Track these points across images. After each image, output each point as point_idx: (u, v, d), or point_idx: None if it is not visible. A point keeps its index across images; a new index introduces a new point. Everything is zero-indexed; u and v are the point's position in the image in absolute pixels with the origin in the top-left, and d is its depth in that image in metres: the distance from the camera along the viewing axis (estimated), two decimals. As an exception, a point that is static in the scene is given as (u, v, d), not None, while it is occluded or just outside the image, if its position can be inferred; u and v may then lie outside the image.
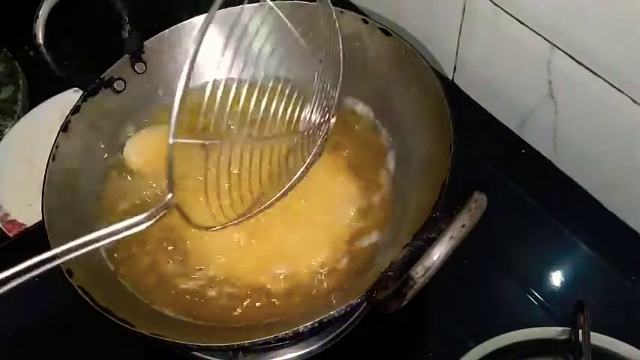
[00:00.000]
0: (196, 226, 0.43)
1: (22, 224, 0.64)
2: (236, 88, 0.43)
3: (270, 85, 0.48)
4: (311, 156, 0.50)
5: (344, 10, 0.60)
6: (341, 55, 0.51)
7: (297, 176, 0.49)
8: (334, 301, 0.48)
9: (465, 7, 0.63)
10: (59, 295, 0.46)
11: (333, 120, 0.53)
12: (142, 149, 0.59)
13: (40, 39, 0.55)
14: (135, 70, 0.60)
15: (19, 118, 0.74)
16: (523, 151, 0.66)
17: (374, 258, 0.51)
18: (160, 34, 0.61)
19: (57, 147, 0.54)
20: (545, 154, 0.65)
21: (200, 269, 0.52)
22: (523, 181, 0.64)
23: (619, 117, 0.53)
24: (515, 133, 0.67)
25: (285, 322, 0.46)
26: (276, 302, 0.50)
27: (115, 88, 0.59)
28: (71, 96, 0.71)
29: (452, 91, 0.70)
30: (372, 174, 0.56)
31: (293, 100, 0.50)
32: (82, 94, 0.57)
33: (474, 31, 0.64)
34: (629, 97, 0.51)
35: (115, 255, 0.53)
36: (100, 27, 0.64)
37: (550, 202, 0.62)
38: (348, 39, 0.60)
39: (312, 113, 0.50)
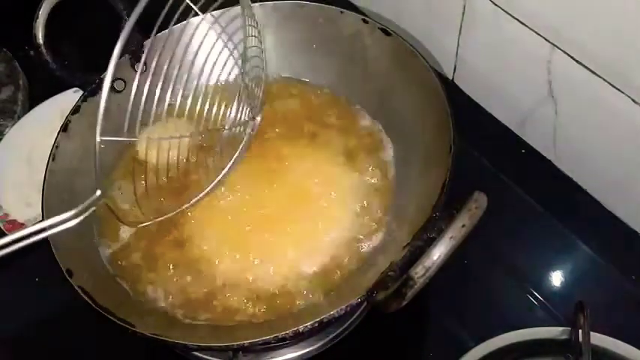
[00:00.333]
0: (126, 223, 0.47)
1: (22, 224, 0.64)
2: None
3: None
4: (237, 152, 0.52)
5: (344, 10, 0.60)
6: (263, 55, 0.54)
7: (224, 172, 0.51)
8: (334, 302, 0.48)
9: (465, 7, 0.63)
10: (59, 295, 0.46)
11: (258, 118, 0.55)
12: (155, 144, 0.59)
13: (40, 39, 0.55)
14: (135, 70, 0.60)
15: (19, 118, 0.74)
16: (523, 151, 0.66)
17: (374, 258, 0.51)
18: (159, 34, 0.61)
19: (57, 147, 0.54)
20: (545, 154, 0.65)
21: (201, 270, 0.52)
22: (523, 181, 0.64)
23: (619, 117, 0.53)
24: (515, 133, 0.67)
25: (285, 322, 0.46)
26: (277, 301, 0.50)
27: (115, 88, 0.59)
28: (71, 96, 0.71)
29: (452, 91, 0.70)
30: (372, 173, 0.56)
31: (217, 99, 0.53)
32: (82, 94, 0.57)
33: (473, 31, 0.64)
34: (629, 97, 0.51)
35: (115, 257, 0.53)
36: (100, 27, 0.64)
37: (550, 202, 0.62)
38: (348, 39, 0.60)
39: (237, 112, 0.52)
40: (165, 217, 0.50)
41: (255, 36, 0.53)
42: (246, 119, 0.53)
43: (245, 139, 0.53)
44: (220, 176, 0.51)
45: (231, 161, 0.52)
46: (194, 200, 0.51)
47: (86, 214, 0.38)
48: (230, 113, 0.52)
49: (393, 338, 0.56)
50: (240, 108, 0.52)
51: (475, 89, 0.70)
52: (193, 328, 0.49)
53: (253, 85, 0.53)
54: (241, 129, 0.53)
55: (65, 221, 0.37)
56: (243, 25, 0.50)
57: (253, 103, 0.53)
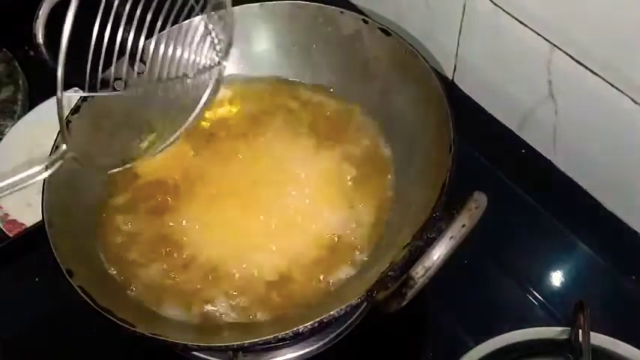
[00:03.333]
0: (95, 167, 0.46)
1: (22, 224, 0.64)
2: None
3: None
4: (205, 96, 0.51)
5: (344, 10, 0.60)
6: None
7: (194, 115, 0.50)
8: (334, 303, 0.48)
9: (465, 7, 0.63)
10: (59, 295, 0.46)
11: (224, 63, 0.52)
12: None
13: (40, 39, 0.55)
14: (135, 70, 0.60)
15: (19, 118, 0.74)
16: (523, 151, 0.66)
17: (374, 258, 0.51)
18: (160, 34, 0.61)
19: (57, 147, 0.54)
20: (545, 154, 0.65)
21: (198, 269, 0.52)
22: (523, 181, 0.64)
23: (619, 117, 0.53)
24: (515, 133, 0.67)
25: (285, 322, 0.46)
26: (276, 297, 0.50)
27: (115, 88, 0.59)
28: (71, 96, 0.71)
29: (452, 91, 0.70)
30: (372, 173, 0.56)
31: (181, 44, 0.50)
32: (82, 94, 0.57)
33: (474, 31, 0.64)
34: (629, 97, 0.51)
35: (115, 257, 0.53)
36: (99, 27, 0.64)
37: (550, 202, 0.62)
38: (348, 39, 0.60)
39: (200, 56, 0.50)
40: (132, 163, 0.49)
41: None
42: (211, 64, 0.50)
43: (210, 87, 0.51)
44: (182, 129, 0.50)
45: (195, 112, 0.51)
46: (159, 149, 0.50)
47: (54, 167, 0.39)
48: (192, 58, 0.49)
49: (393, 338, 0.56)
50: (203, 51, 0.49)
51: (475, 89, 0.70)
52: (193, 328, 0.49)
53: (217, 22, 0.50)
54: (206, 76, 0.51)
55: (35, 175, 0.38)
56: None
57: (218, 44, 0.50)
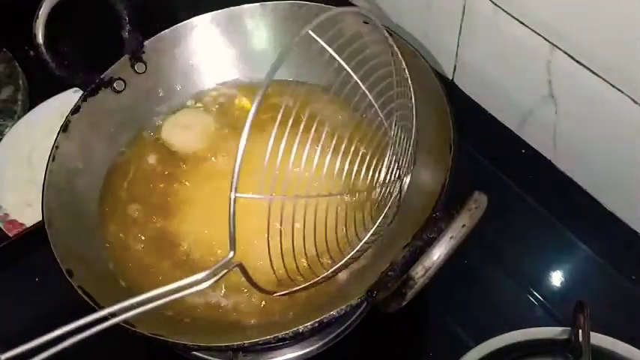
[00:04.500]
0: (262, 290, 0.41)
1: (22, 224, 0.64)
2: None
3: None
4: (380, 219, 0.45)
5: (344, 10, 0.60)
6: (413, 101, 0.45)
7: (364, 241, 0.44)
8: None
9: (465, 7, 0.63)
10: (59, 295, 0.46)
11: (407, 179, 0.47)
12: (181, 130, 0.61)
13: (40, 39, 0.55)
14: (135, 70, 0.60)
15: (19, 118, 0.74)
16: (523, 151, 0.66)
17: (374, 258, 0.51)
18: (160, 34, 0.61)
19: (57, 147, 0.54)
20: (545, 154, 0.65)
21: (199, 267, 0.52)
22: (523, 181, 0.64)
23: (619, 117, 0.53)
24: (515, 133, 0.67)
25: (285, 322, 0.46)
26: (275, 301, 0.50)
27: (115, 88, 0.59)
28: (71, 96, 0.71)
29: (452, 91, 0.70)
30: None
31: (358, 155, 0.44)
32: (82, 94, 0.57)
33: (474, 31, 0.64)
34: (629, 97, 0.51)
35: (115, 256, 0.53)
36: (100, 27, 0.64)
37: (550, 202, 0.62)
38: (348, 39, 0.60)
39: (379, 171, 0.45)
40: (299, 288, 0.43)
41: (405, 86, 0.45)
42: (394, 179, 0.46)
43: (391, 200, 0.46)
44: (362, 242, 0.44)
45: (375, 225, 0.45)
46: (332, 269, 0.44)
47: (219, 277, 0.36)
48: (378, 173, 0.45)
49: (393, 338, 0.56)
50: (390, 166, 0.45)
51: (475, 89, 0.70)
52: (193, 328, 0.49)
53: (402, 139, 0.45)
54: (389, 189, 0.46)
55: (196, 283, 0.36)
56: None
57: (402, 160, 0.46)
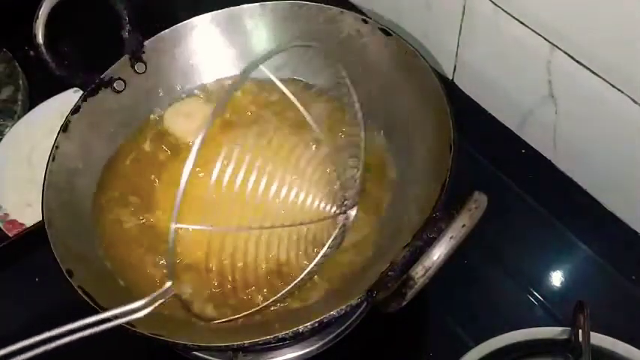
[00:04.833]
0: (199, 318, 0.43)
1: (22, 224, 0.64)
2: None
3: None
4: (324, 249, 0.47)
5: (344, 10, 0.60)
6: (362, 144, 0.47)
7: (307, 270, 0.46)
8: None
9: (464, 7, 0.63)
10: (59, 295, 0.46)
11: (353, 212, 0.48)
12: (182, 118, 0.61)
13: (40, 39, 0.55)
14: (135, 70, 0.60)
15: (19, 118, 0.74)
16: (523, 151, 0.66)
17: (374, 258, 0.51)
18: (160, 34, 0.61)
19: (57, 147, 0.54)
20: (545, 154, 0.65)
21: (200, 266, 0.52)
22: (523, 181, 0.64)
23: (619, 117, 0.53)
24: (515, 133, 0.67)
25: (285, 322, 0.45)
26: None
27: (115, 88, 0.59)
28: (71, 96, 0.71)
29: (452, 91, 0.70)
30: (371, 173, 0.56)
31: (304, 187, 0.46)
32: (82, 94, 0.57)
33: (474, 31, 0.64)
34: (629, 97, 0.51)
35: (115, 256, 0.53)
36: (100, 27, 0.64)
37: (550, 202, 0.62)
38: (348, 39, 0.60)
39: (323, 202, 0.47)
40: (240, 316, 0.46)
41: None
42: (338, 212, 0.47)
43: (334, 233, 0.47)
44: (304, 273, 0.46)
45: (319, 257, 0.46)
46: (273, 300, 0.47)
47: (154, 305, 0.38)
48: (320, 204, 0.46)
49: (393, 338, 0.56)
50: (332, 198, 0.46)
51: (475, 89, 0.70)
52: (193, 328, 0.49)
53: (349, 171, 0.47)
54: (333, 222, 0.47)
55: (134, 311, 0.37)
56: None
57: (347, 192, 0.47)
